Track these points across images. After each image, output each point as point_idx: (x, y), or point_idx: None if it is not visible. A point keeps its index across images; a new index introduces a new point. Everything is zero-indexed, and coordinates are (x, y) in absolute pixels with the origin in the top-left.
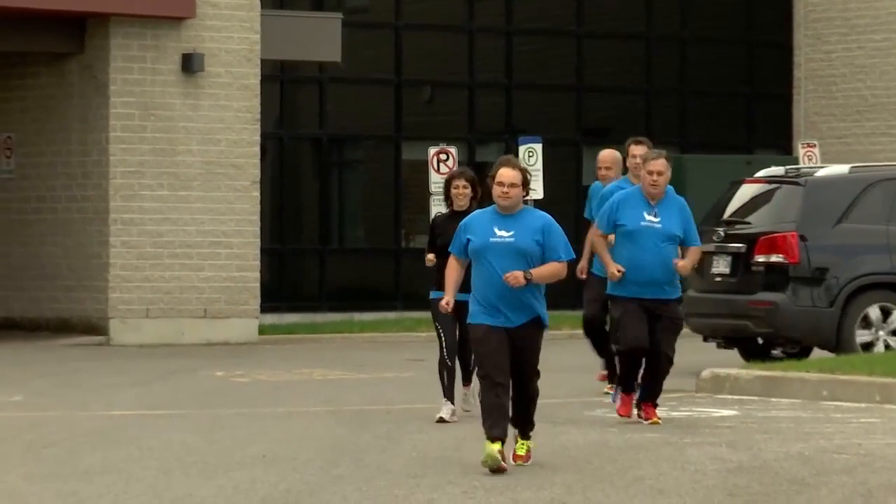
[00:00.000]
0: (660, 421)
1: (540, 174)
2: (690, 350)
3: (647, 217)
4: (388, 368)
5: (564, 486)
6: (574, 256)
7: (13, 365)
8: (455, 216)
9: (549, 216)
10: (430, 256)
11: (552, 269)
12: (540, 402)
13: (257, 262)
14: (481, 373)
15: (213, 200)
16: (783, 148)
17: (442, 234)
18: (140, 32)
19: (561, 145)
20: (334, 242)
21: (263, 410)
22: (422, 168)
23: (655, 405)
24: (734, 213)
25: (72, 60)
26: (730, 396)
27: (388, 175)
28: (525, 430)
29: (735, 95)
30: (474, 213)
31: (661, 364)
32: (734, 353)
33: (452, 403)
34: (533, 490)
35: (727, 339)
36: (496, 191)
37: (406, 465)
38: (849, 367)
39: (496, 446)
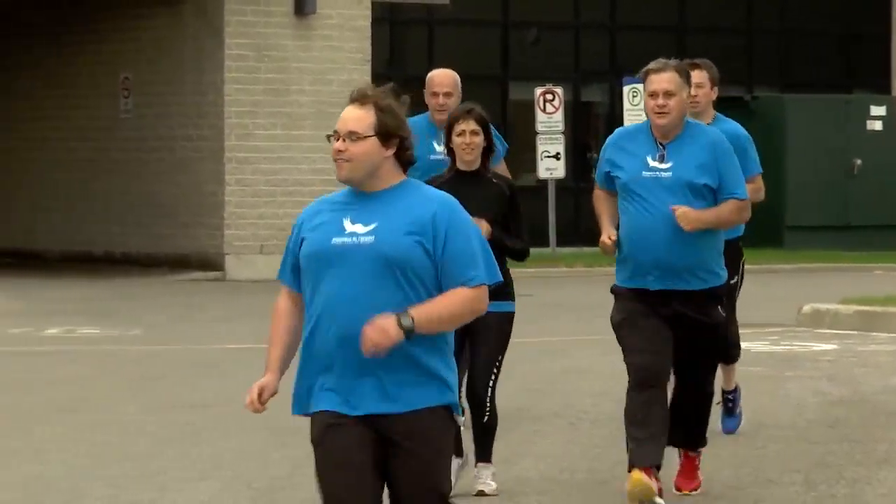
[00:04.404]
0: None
1: (643, 115)
2: (791, 284)
3: (652, 163)
4: None
5: None
6: (501, 278)
7: (132, 299)
8: (460, 179)
9: (452, 198)
10: None
11: (454, 304)
12: None
13: None
14: None
15: (324, 139)
16: (882, 87)
17: None
18: None
19: None
20: None
21: None
22: (528, 108)
23: (694, 454)
24: None
25: (186, 3)
26: (829, 331)
27: (495, 115)
28: None
29: (834, 35)
30: (318, 200)
31: (688, 399)
32: (833, 288)
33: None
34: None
35: None
36: (334, 150)
37: (510, 397)
38: None
39: None
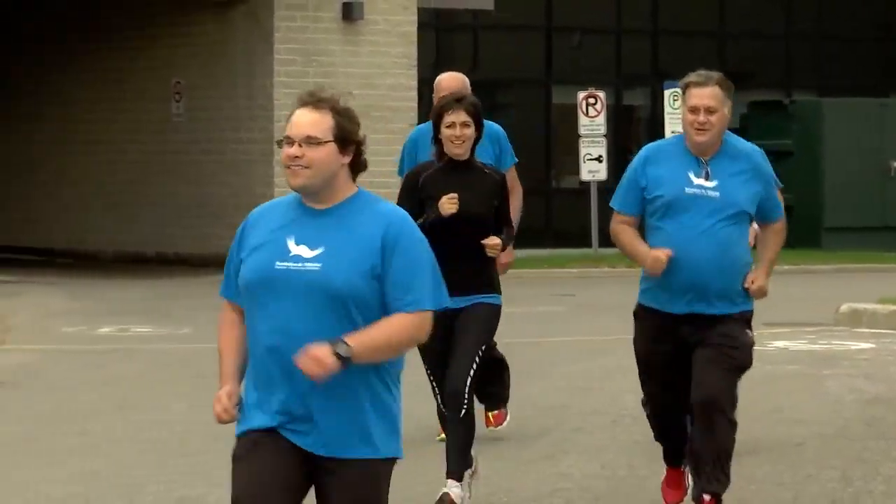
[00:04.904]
0: None
1: None
2: (829, 284)
3: (696, 180)
4: (539, 303)
5: None
6: (448, 304)
7: (182, 299)
8: (453, 168)
9: (404, 215)
10: None
11: (394, 331)
12: None
13: None
14: None
15: (371, 142)
16: None
17: (434, 198)
18: None
19: None
20: None
21: None
22: (571, 111)
23: (710, 499)
24: None
25: (237, 8)
26: (867, 330)
27: (538, 118)
28: None
29: (870, 39)
30: (263, 206)
31: (706, 420)
32: (871, 288)
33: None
34: None
35: None
36: (286, 156)
37: (553, 395)
38: None
39: None
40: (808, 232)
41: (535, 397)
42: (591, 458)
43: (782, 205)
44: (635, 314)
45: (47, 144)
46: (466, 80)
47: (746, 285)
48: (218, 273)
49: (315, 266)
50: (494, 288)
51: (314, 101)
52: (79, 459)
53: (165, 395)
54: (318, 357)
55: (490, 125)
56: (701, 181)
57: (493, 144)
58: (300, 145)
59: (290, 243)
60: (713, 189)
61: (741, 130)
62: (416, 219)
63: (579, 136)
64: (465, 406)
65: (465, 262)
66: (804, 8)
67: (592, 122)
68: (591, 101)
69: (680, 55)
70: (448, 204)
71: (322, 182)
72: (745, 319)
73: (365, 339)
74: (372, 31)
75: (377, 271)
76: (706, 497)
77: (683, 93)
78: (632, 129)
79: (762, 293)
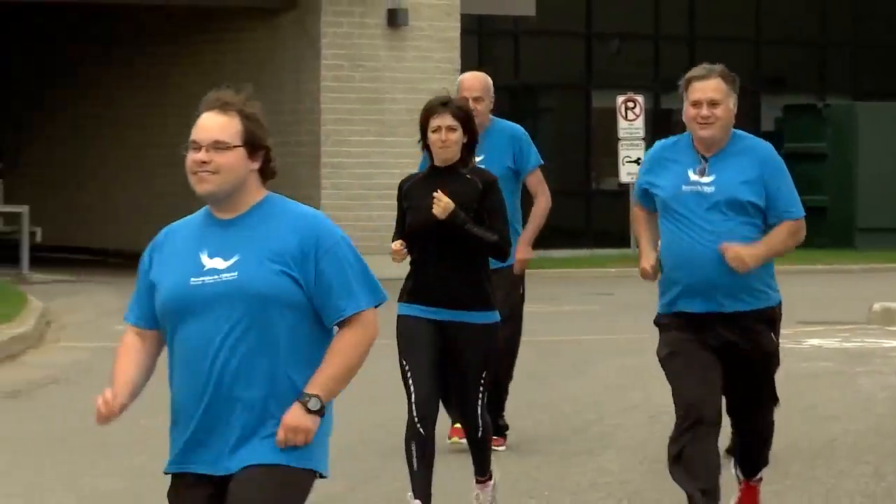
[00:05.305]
0: None
1: None
2: (863, 284)
3: (693, 177)
4: (578, 301)
5: None
6: (386, 297)
7: None
8: (433, 176)
9: (318, 216)
10: (397, 246)
11: (348, 355)
12: None
13: None
14: None
15: (415, 146)
16: None
17: (415, 208)
18: None
19: (740, 95)
20: None
21: None
22: (611, 115)
23: (755, 482)
24: None
25: (285, 15)
26: None
27: (578, 121)
28: None
29: None
30: (168, 228)
31: (744, 434)
32: None
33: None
34: None
35: None
36: (193, 162)
37: (592, 392)
38: None
39: None
40: (841, 232)
41: (575, 394)
42: (630, 453)
43: (801, 207)
44: (657, 323)
45: (102, 148)
46: (488, 79)
47: (721, 247)
48: None
49: (232, 275)
50: (488, 303)
51: (221, 104)
52: (129, 454)
53: None
54: (295, 426)
55: (510, 126)
56: (696, 177)
57: (511, 145)
58: (207, 150)
59: (204, 257)
60: (708, 185)
61: (776, 133)
62: (404, 228)
63: (618, 140)
64: (481, 430)
65: (448, 271)
66: (839, 14)
67: (631, 125)
68: (630, 105)
69: (717, 60)
70: (435, 205)
71: (231, 188)
72: (765, 318)
73: (326, 378)
74: (416, 37)
75: (295, 275)
76: (752, 482)
77: (686, 89)
78: (669, 133)
79: (738, 260)
